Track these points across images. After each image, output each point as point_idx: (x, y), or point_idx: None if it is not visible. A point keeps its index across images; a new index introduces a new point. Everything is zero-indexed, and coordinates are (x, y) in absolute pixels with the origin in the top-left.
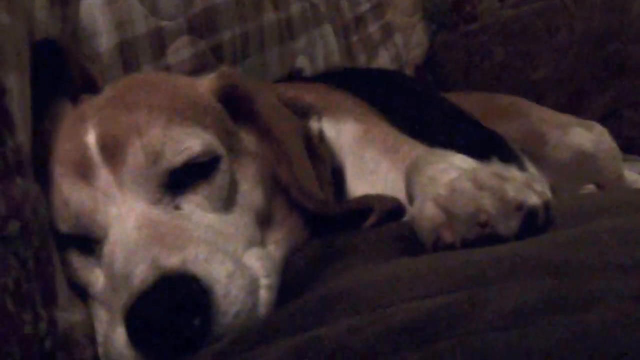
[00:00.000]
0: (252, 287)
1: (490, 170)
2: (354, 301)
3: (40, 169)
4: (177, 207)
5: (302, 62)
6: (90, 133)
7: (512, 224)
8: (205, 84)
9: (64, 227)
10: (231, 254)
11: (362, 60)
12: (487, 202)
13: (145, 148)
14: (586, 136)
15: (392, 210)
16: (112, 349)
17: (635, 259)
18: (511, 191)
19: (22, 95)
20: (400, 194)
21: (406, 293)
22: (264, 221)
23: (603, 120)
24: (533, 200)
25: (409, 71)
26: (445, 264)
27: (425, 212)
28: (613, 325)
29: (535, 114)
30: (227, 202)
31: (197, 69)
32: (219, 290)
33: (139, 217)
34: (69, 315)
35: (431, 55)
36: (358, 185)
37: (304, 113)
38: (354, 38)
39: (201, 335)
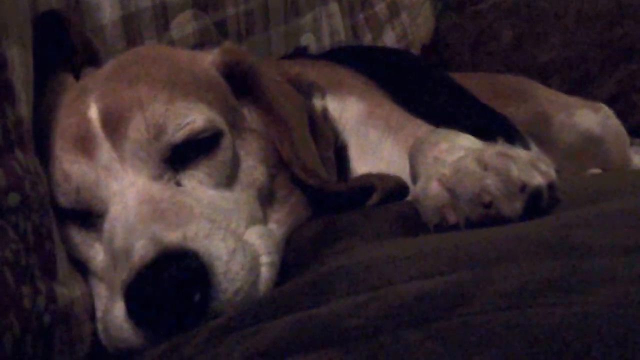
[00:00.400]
0: (253, 265)
1: (495, 150)
2: (355, 280)
3: (41, 142)
4: (178, 183)
5: (307, 39)
6: (92, 107)
7: (516, 205)
8: (209, 59)
9: (64, 201)
10: (232, 231)
11: (367, 39)
12: (491, 183)
13: (147, 123)
14: (593, 118)
15: (395, 190)
16: (111, 324)
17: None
18: (516, 171)
19: (23, 68)
20: (404, 173)
21: (408, 272)
22: (266, 199)
23: (611, 104)
24: (537, 180)
25: (415, 51)
26: (448, 244)
27: (429, 191)
28: (616, 308)
29: (541, 96)
30: (229, 179)
31: (201, 44)
32: (219, 267)
33: (140, 192)
34: (68, 290)
35: (438, 35)
36: (361, 164)
37: (307, 90)
38: (360, 16)
39: (200, 311)
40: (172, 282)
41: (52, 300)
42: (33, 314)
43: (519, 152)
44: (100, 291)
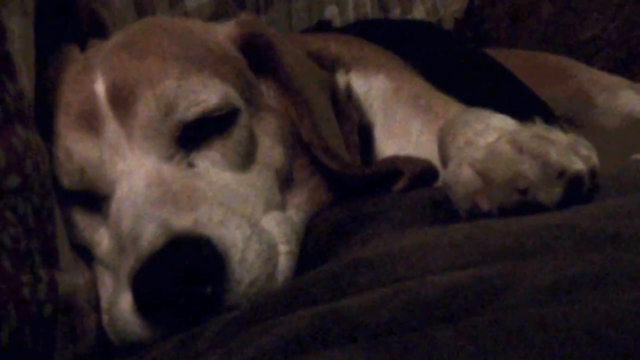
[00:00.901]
0: (270, 254)
1: (532, 132)
2: (380, 271)
3: (44, 118)
4: (190, 164)
5: (331, 12)
6: (98, 81)
7: (554, 191)
8: (225, 31)
9: (67, 182)
10: (248, 216)
11: (395, 14)
12: (527, 167)
13: (157, 99)
14: (637, 100)
15: (423, 174)
16: (117, 316)
17: None
18: (554, 155)
19: (24, 39)
20: (433, 156)
21: (437, 264)
22: (284, 183)
23: None
24: (578, 165)
25: (447, 26)
26: (480, 233)
27: (460, 176)
28: None
29: (582, 76)
30: (245, 160)
31: (217, 15)
32: (234, 255)
33: (149, 173)
34: (71, 277)
35: (472, 9)
36: (388, 146)
37: (330, 66)
38: None
39: (213, 304)
40: (182, 272)
41: (54, 289)
42: (33, 303)
43: (557, 135)
44: (106, 279)
